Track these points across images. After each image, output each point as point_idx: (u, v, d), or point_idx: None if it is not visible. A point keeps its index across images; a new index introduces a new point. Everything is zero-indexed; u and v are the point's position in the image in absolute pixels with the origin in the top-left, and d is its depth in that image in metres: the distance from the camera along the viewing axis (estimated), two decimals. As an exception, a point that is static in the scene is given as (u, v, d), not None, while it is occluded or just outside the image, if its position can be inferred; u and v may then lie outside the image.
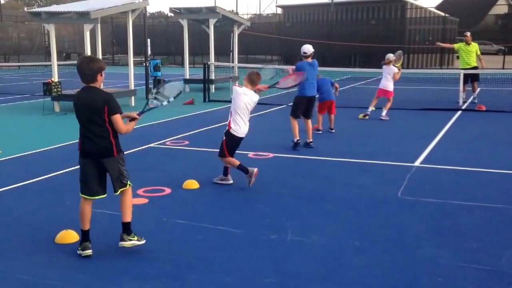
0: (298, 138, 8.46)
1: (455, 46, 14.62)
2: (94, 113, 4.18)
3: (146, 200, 5.79)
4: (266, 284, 3.85)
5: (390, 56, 11.75)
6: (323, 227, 5.02)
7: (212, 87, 17.48)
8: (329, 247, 4.52)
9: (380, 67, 11.96)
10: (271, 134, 10.05)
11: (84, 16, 12.69)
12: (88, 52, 13.00)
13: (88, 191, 4.33)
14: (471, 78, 14.18)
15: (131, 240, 4.39)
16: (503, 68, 25.90)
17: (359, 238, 4.72)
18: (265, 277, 3.94)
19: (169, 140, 9.38)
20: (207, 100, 15.35)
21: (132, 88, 14.79)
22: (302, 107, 8.59)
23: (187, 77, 18.77)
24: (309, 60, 8.68)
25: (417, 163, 7.50)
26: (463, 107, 13.20)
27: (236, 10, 45.72)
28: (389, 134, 9.93)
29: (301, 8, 35.41)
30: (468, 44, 13.99)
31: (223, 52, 25.56)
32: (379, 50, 29.73)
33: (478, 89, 14.55)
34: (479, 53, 14.20)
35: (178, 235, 4.84)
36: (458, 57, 15.43)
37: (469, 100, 14.14)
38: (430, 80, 20.70)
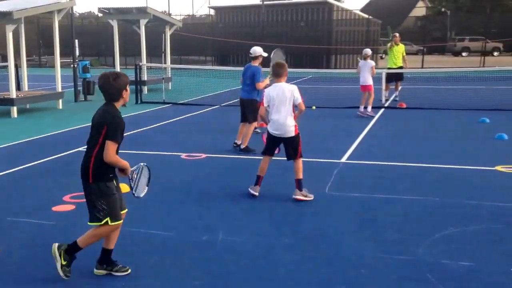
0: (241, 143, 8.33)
1: (388, 45, 15.23)
2: (94, 131, 3.83)
3: (73, 207, 5.65)
4: (196, 286, 3.88)
5: (368, 51, 12.25)
6: (254, 226, 5.12)
7: (145, 88, 17.25)
8: (260, 245, 4.62)
9: (313, 67, 12.29)
10: (205, 135, 10.08)
11: (6, 16, 12.15)
12: (10, 54, 12.48)
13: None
14: (396, 78, 14.88)
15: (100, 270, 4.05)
16: (422, 67, 27.26)
17: (289, 234, 4.85)
18: (195, 279, 3.96)
19: (99, 144, 9.17)
20: (139, 101, 15.13)
21: (60, 90, 14.32)
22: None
23: (118, 79, 18.37)
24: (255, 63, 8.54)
25: (343, 159, 7.78)
26: (386, 105, 13.79)
27: (169, 11, 45.35)
28: (318, 132, 10.20)
29: (233, 9, 35.63)
30: (397, 44, 14.66)
31: (156, 53, 25.19)
32: (309, 50, 30.51)
33: (400, 87, 15.27)
34: (404, 54, 14.92)
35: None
36: (382, 58, 16.11)
37: (391, 98, 14.80)
38: (356, 79, 21.39)
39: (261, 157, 6.13)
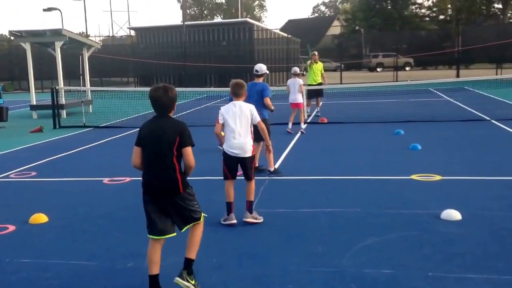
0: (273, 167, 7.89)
1: (307, 63, 15.70)
2: (165, 145, 3.85)
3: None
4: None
5: (296, 69, 12.42)
6: (181, 248, 5.02)
7: (63, 112, 16.64)
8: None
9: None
10: (128, 158, 9.83)
11: None
12: None
13: (155, 230, 3.94)
14: (316, 94, 15.36)
15: (189, 281, 3.97)
16: (341, 83, 28.37)
17: (216, 254, 4.82)
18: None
19: (14, 173, 8.72)
20: (57, 126, 14.55)
21: (-31, 118, 13.50)
22: None
23: (34, 103, 17.64)
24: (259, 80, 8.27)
25: (269, 176, 7.87)
26: (308, 120, 14.17)
27: (86, 32, 44.16)
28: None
29: (154, 30, 35.37)
30: (316, 62, 15.17)
31: (75, 75, 24.47)
32: (232, 69, 30.86)
33: (321, 103, 15.77)
34: (323, 71, 15.46)
35: (24, 276, 4.51)
36: (303, 75, 16.63)
37: (313, 114, 15.23)
38: (277, 96, 21.81)
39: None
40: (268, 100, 7.99)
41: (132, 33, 39.05)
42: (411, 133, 11.16)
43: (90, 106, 18.69)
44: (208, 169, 7.67)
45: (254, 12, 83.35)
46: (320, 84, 15.36)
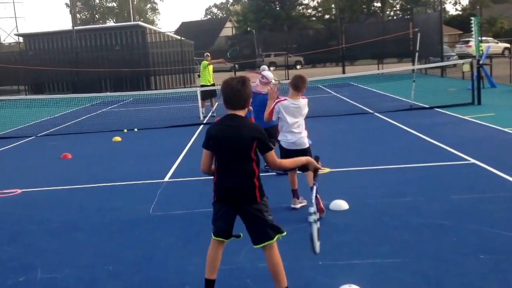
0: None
1: (202, 64, 15.80)
2: (242, 147, 3.49)
3: None
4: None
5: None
6: (75, 259, 4.91)
7: None
8: (82, 278, 4.45)
9: (133, 90, 12.22)
10: (19, 169, 9.37)
11: None
12: None
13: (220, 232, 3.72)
14: (210, 95, 15.51)
15: None
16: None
17: (112, 262, 4.75)
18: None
19: None
20: None
21: None
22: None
23: None
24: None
25: (166, 178, 7.87)
26: (204, 121, 14.28)
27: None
28: (139, 154, 10.16)
29: (43, 36, 33.73)
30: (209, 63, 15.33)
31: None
32: (128, 73, 30.16)
33: (216, 103, 15.96)
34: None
35: None
36: (198, 76, 16.72)
37: (209, 115, 15.37)
38: (172, 99, 21.75)
39: (82, 186, 5.89)
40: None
41: (20, 39, 36.84)
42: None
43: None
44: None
45: (147, 15, 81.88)
46: (213, 85, 15.54)
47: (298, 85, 5.87)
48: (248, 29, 50.05)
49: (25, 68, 31.03)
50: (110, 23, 70.97)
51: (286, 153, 5.88)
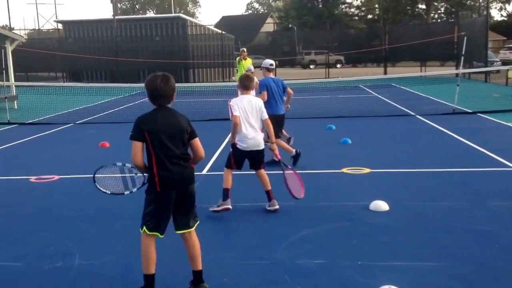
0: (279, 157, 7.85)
1: (237, 60, 15.82)
2: (180, 136, 3.70)
3: None
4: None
5: (251, 68, 12.41)
6: (112, 246, 4.94)
7: (-16, 109, 15.79)
8: (119, 265, 4.47)
9: (176, 81, 12.30)
10: (57, 155, 9.53)
11: None
12: None
13: (159, 227, 3.75)
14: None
15: None
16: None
17: (150, 252, 4.75)
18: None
19: None
20: (-22, 123, 13.79)
21: None
22: (277, 125, 7.63)
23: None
24: (272, 75, 8.18)
25: (204, 171, 7.86)
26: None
27: (10, 25, 42.01)
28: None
29: (83, 24, 34.20)
30: (244, 59, 15.30)
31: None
32: (166, 65, 30.46)
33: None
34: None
35: None
36: (238, 71, 16.74)
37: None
38: (210, 92, 21.82)
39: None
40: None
41: (60, 26, 37.55)
42: (342, 128, 11.49)
43: (15, 102, 17.83)
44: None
45: (188, 8, 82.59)
46: (251, 80, 15.50)
47: (246, 85, 5.83)
48: (290, 25, 49.85)
49: (64, 55, 31.69)
50: (150, 14, 71.86)
51: (241, 153, 5.80)
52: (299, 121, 13.17)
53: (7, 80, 17.91)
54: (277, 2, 78.70)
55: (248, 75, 5.97)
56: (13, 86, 17.91)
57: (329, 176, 7.47)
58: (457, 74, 21.63)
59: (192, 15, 76.85)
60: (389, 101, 17.03)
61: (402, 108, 15.02)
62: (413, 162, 8.17)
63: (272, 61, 8.33)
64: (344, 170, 7.64)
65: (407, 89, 21.29)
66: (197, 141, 3.84)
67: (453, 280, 4.01)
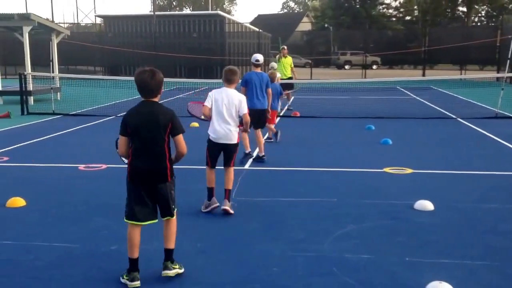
0: (249, 149, 8.18)
1: (276, 57, 15.90)
2: (157, 131, 3.82)
3: None
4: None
5: (274, 64, 12.85)
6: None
7: (31, 99, 16.30)
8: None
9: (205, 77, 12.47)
10: (103, 145, 9.80)
11: None
12: None
13: (133, 215, 3.93)
14: (286, 88, 15.52)
15: (174, 268, 4.07)
16: (311, 79, 28.69)
17: (200, 240, 4.89)
18: (108, 288, 3.90)
19: (-15, 157, 8.56)
20: (25, 113, 14.25)
21: None
22: (252, 119, 7.65)
23: (0, 89, 17.21)
24: (258, 70, 8.41)
25: (246, 166, 7.98)
26: (281, 114, 14.32)
27: (52, 18, 43.07)
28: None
29: (123, 19, 34.83)
30: (285, 57, 15.35)
31: (39, 62, 23.92)
32: (203, 61, 30.79)
33: (292, 97, 15.97)
34: (292, 65, 15.66)
35: (7, 257, 4.50)
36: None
37: (285, 108, 15.41)
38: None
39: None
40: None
41: (99, 21, 38.34)
42: (382, 129, 11.45)
43: (58, 93, 18.35)
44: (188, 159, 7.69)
45: (224, 5, 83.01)
46: (290, 78, 15.54)
47: (229, 78, 5.76)
48: (326, 25, 49.61)
49: (104, 49, 32.28)
50: (187, 11, 72.49)
51: (213, 144, 5.72)
52: (338, 120, 13.20)
53: (52, 72, 18.44)
54: (314, 1, 78.36)
55: (231, 69, 5.89)
56: (57, 78, 18.42)
57: (371, 175, 7.49)
58: (497, 78, 21.24)
59: (228, 12, 77.13)
60: (429, 104, 16.83)
61: (442, 110, 14.83)
62: (456, 164, 8.11)
63: (259, 57, 8.43)
64: (386, 169, 7.64)
65: (447, 92, 20.98)
66: (179, 138, 3.91)
67: (506, 280, 4.00)
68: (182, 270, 4.12)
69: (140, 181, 3.89)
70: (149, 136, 3.83)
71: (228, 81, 5.79)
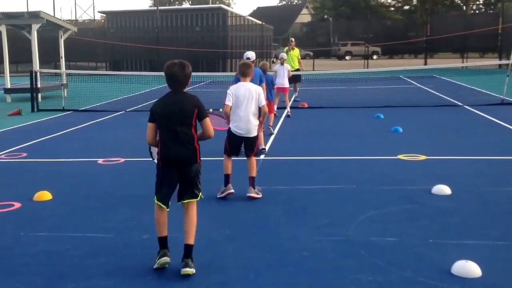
0: (263, 146, 8.21)
1: (285, 49, 16.02)
2: (185, 118, 4.00)
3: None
4: (148, 281, 3.97)
5: (284, 55, 12.85)
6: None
7: (39, 96, 16.43)
8: (201, 239, 4.71)
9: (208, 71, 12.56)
10: (118, 139, 9.96)
11: None
12: None
13: (161, 198, 4.12)
14: (294, 79, 15.64)
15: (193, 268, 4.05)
16: (313, 70, 28.79)
17: (228, 227, 5.05)
18: (144, 276, 4.04)
19: (4, 154, 8.70)
20: (35, 110, 14.39)
21: None
22: None
23: (8, 87, 17.32)
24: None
25: (262, 156, 8.12)
26: (289, 106, 14.44)
27: (54, 15, 43.04)
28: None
29: (125, 14, 34.92)
30: (292, 49, 15.48)
31: (46, 59, 24.04)
32: (206, 55, 30.84)
33: (299, 88, 16.11)
34: (299, 57, 15.79)
35: (44, 247, 4.65)
36: (273, 62, 16.97)
37: (292, 99, 15.54)
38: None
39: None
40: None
41: (98, 17, 38.44)
42: (391, 117, 11.59)
43: (65, 90, 18.45)
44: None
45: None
46: (297, 70, 15.66)
47: (244, 72, 5.98)
48: (325, 16, 49.59)
49: (106, 45, 32.30)
50: (186, 5, 72.31)
51: (235, 138, 5.93)
52: (345, 110, 13.33)
53: (59, 68, 18.56)
54: (312, -7, 78.13)
55: (245, 63, 6.16)
56: (64, 74, 18.53)
57: (386, 162, 7.64)
58: (500, 65, 21.36)
59: (228, 5, 76.93)
60: (434, 92, 16.96)
61: (448, 98, 14.97)
62: (469, 150, 8.26)
63: (250, 55, 8.39)
64: (400, 156, 7.79)
65: (450, 80, 21.10)
66: (206, 121, 4.11)
67: (529, 258, 4.15)
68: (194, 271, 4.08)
69: (171, 163, 4.05)
70: (178, 124, 3.99)
71: (244, 74, 6.02)
